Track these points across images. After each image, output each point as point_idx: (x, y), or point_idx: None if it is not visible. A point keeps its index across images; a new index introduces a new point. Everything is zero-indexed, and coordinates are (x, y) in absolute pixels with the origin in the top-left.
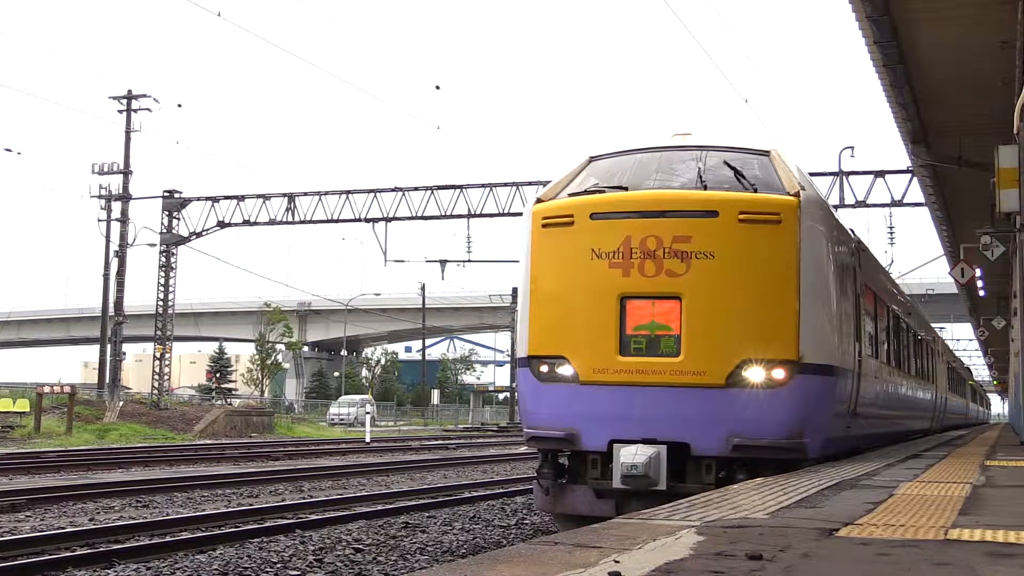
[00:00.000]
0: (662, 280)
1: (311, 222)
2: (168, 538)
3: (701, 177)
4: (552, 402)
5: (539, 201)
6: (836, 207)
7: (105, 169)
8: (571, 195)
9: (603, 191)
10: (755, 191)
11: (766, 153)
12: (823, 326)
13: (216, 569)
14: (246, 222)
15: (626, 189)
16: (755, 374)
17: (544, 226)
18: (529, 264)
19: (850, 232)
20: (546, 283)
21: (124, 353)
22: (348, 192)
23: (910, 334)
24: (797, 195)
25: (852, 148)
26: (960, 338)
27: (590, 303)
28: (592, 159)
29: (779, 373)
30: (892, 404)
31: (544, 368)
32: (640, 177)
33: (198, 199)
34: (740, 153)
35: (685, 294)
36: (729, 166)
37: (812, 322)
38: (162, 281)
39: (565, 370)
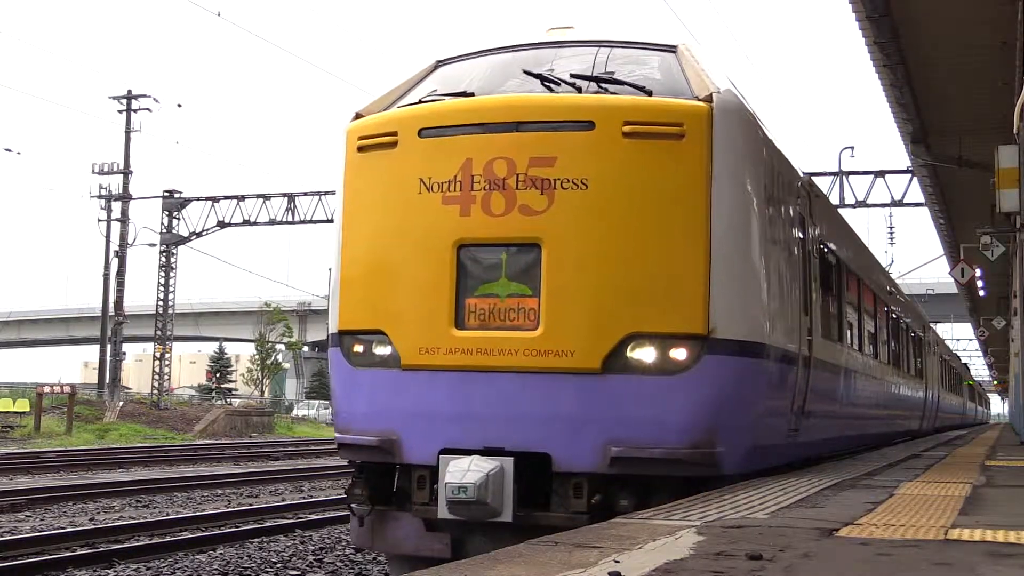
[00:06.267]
0: (515, 220)
1: (311, 222)
2: (168, 538)
3: (577, 78)
4: (366, 395)
5: (357, 116)
6: (836, 207)
7: (105, 169)
8: (402, 108)
9: (441, 99)
10: (649, 95)
11: (672, 49)
12: (746, 288)
13: (216, 569)
14: (246, 222)
15: (472, 96)
16: (645, 354)
17: (360, 149)
18: (341, 204)
19: (798, 169)
20: (361, 229)
21: (124, 353)
22: None
23: (891, 318)
24: (708, 100)
25: (852, 148)
26: (960, 338)
27: (417, 255)
28: (439, 63)
29: (679, 353)
30: (864, 401)
31: (358, 348)
32: (496, 81)
33: (198, 199)
34: (634, 48)
35: (547, 240)
36: (623, 63)
37: (729, 282)
38: (162, 281)
39: (383, 350)
